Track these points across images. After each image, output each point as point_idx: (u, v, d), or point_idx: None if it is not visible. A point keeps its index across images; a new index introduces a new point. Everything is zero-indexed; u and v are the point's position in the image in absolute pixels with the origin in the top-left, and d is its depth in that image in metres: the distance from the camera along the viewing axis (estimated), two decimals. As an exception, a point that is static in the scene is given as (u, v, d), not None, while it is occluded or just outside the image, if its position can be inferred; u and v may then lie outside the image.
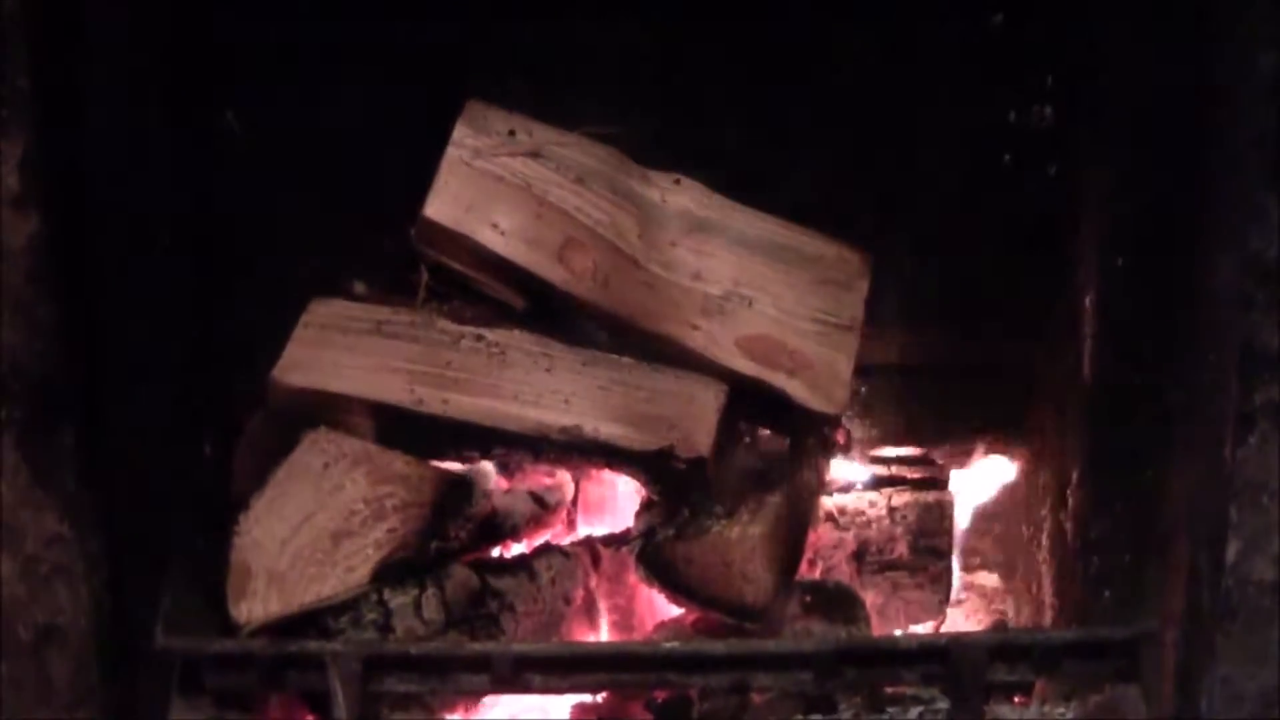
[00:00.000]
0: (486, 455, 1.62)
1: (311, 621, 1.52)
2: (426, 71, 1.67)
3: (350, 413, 1.59)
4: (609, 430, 1.59)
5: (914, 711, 1.52)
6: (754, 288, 1.67)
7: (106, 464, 1.45)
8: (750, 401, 1.66)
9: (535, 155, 1.64)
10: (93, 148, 1.46)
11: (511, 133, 1.65)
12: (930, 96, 1.71)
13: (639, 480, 1.63)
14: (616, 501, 1.79)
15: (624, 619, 1.73)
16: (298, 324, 1.62)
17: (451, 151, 1.62)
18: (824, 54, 1.69)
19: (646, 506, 1.66)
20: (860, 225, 1.71)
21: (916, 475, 1.83)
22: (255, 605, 1.50)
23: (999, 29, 1.67)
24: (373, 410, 1.59)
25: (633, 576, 1.66)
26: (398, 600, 1.53)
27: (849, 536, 1.80)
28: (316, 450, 1.55)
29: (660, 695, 1.55)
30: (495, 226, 1.61)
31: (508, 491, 1.69)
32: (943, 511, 1.81)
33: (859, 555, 1.80)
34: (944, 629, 1.84)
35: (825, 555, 1.79)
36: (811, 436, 1.68)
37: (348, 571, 1.52)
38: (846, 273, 1.69)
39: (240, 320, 1.71)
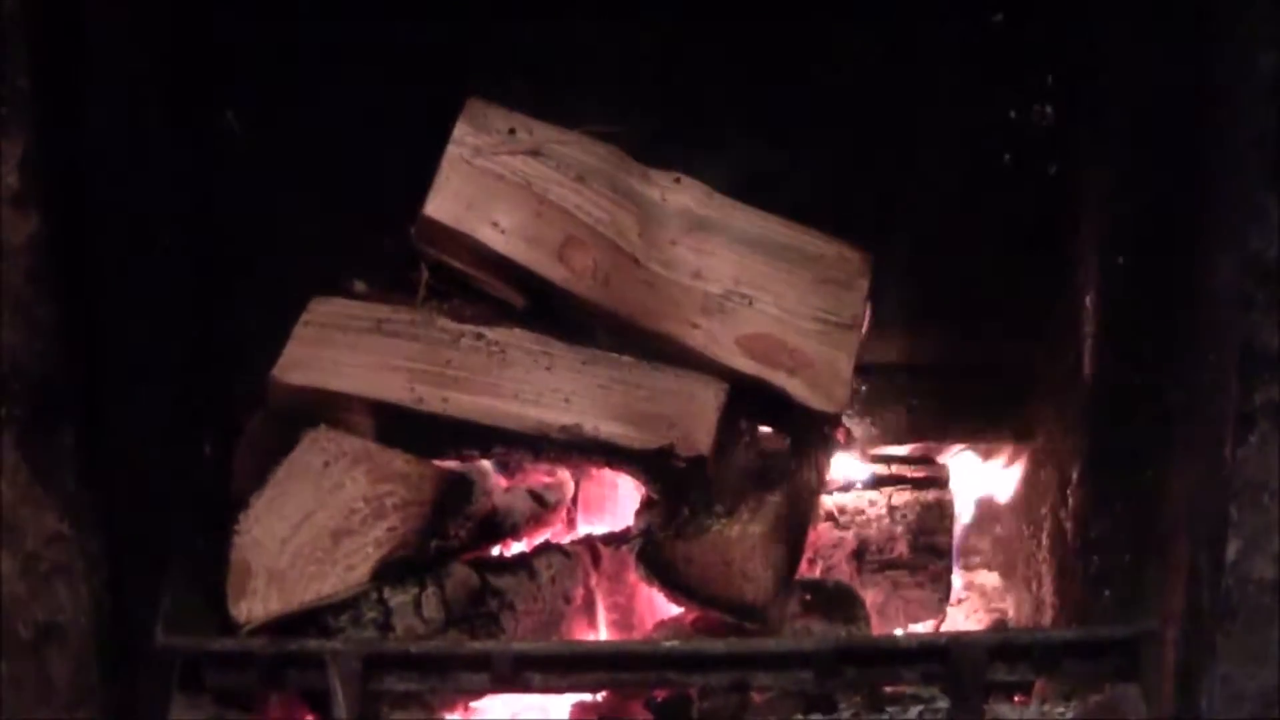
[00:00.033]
0: (486, 454, 1.62)
1: (311, 620, 1.52)
2: (426, 71, 1.68)
3: (350, 411, 1.59)
4: (609, 429, 1.59)
5: (914, 711, 1.52)
6: (754, 286, 1.67)
7: (106, 463, 1.45)
8: (750, 400, 1.66)
9: (535, 153, 1.64)
10: (93, 148, 1.46)
11: (512, 131, 1.65)
12: (930, 96, 1.71)
13: (639, 479, 1.63)
14: (616, 500, 1.79)
15: (624, 618, 1.73)
16: (298, 322, 1.62)
17: (452, 150, 1.62)
18: (824, 54, 1.69)
19: (646, 505, 1.66)
20: (860, 225, 1.71)
21: (916, 474, 1.83)
22: (255, 604, 1.50)
23: (999, 29, 1.68)
24: (373, 409, 1.59)
25: (633, 575, 1.66)
26: (398, 599, 1.53)
27: (849, 535, 1.80)
28: (316, 449, 1.55)
29: (660, 694, 1.55)
30: (495, 225, 1.61)
31: (508, 490, 1.70)
32: (943, 510, 1.81)
33: (859, 554, 1.80)
34: (944, 628, 1.84)
35: (825, 554, 1.79)
36: (812, 435, 1.68)
37: (348, 570, 1.52)
38: (847, 272, 1.69)
39: (240, 320, 1.71)
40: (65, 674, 1.40)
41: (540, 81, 1.68)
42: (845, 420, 1.72)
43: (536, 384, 1.61)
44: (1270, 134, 1.32)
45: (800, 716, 1.51)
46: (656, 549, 1.60)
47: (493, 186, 1.62)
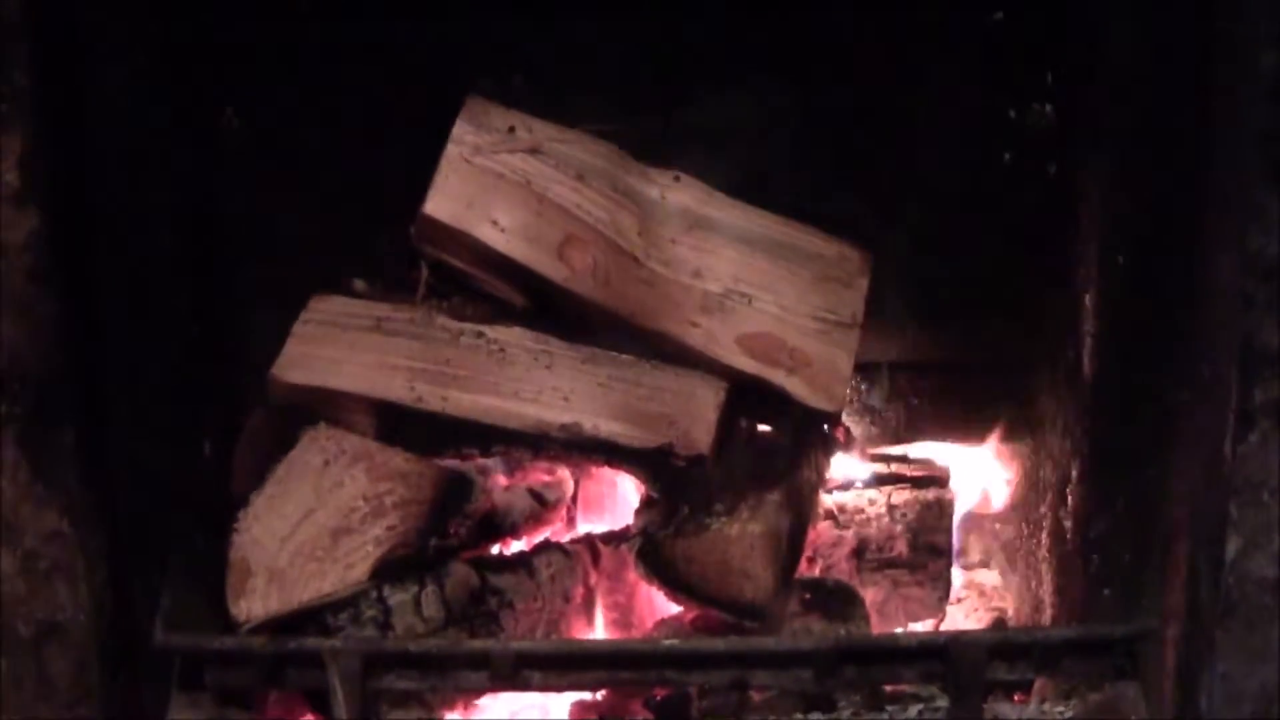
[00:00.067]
0: (486, 452, 1.62)
1: (311, 619, 1.52)
2: (426, 71, 1.68)
3: (350, 410, 1.59)
4: (609, 427, 1.59)
5: (913, 709, 1.52)
6: (754, 285, 1.67)
7: (106, 461, 1.45)
8: (750, 399, 1.66)
9: (535, 152, 1.64)
10: (93, 147, 1.46)
11: (511, 129, 1.65)
12: (930, 96, 1.71)
13: (638, 478, 1.64)
14: (616, 499, 1.79)
15: (623, 617, 1.72)
16: (297, 321, 1.62)
17: (452, 148, 1.62)
18: (824, 53, 1.69)
19: (646, 504, 1.66)
20: (860, 225, 1.72)
21: (916, 473, 1.83)
22: (255, 602, 1.51)
23: (999, 28, 1.68)
24: (372, 407, 1.59)
25: (632, 574, 1.66)
26: (397, 597, 1.53)
27: (849, 534, 1.80)
28: (316, 447, 1.56)
29: (660, 693, 1.56)
30: (495, 223, 1.61)
31: (507, 489, 1.70)
32: (942, 509, 1.81)
33: (859, 553, 1.80)
34: (943, 627, 1.84)
35: (825, 553, 1.79)
36: (811, 434, 1.68)
37: (347, 569, 1.52)
38: (846, 270, 1.70)
39: (240, 319, 1.71)
40: (65, 672, 1.40)
41: (540, 81, 1.68)
42: (844, 419, 1.72)
43: (536, 382, 1.61)
44: (1270, 134, 1.32)
45: (800, 715, 1.51)
46: (656, 548, 1.60)
47: (492, 185, 1.62)
